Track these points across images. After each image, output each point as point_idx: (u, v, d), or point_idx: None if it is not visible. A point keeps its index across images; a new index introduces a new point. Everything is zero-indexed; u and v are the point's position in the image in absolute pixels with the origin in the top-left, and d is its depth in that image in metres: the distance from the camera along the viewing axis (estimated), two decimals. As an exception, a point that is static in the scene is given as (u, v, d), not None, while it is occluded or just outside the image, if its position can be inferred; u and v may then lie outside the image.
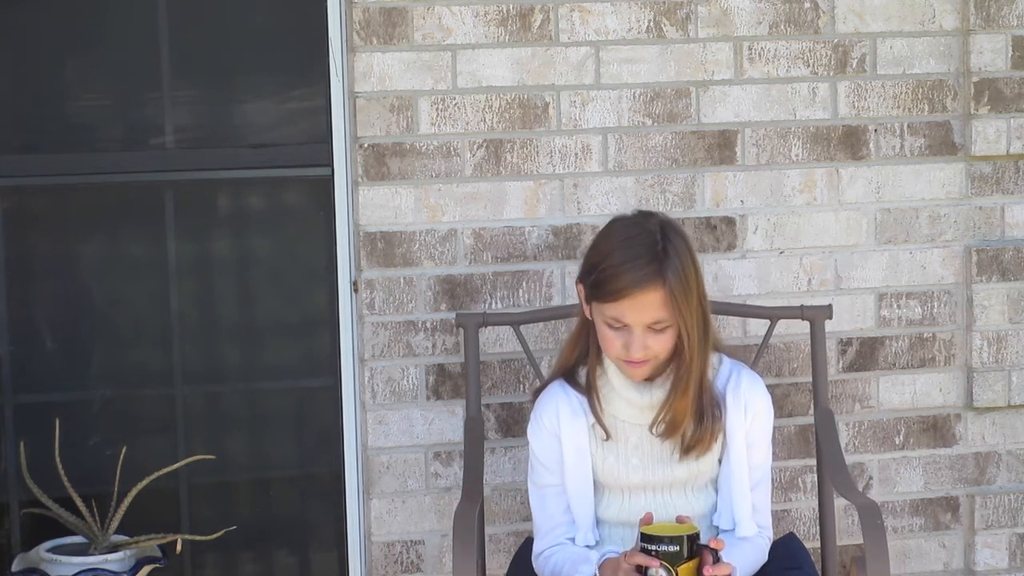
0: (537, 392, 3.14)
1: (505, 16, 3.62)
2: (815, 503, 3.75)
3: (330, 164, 3.69)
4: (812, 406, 3.64)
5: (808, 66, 3.76)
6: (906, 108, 3.81)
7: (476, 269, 3.66)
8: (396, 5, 3.58)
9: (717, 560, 2.73)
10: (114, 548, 3.49)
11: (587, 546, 3.03)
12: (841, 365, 3.83)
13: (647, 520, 2.79)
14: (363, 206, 3.61)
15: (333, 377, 3.76)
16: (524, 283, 3.68)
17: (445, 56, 3.61)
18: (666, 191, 3.72)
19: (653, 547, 2.72)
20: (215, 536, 3.63)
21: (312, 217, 3.77)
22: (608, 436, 3.04)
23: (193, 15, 3.70)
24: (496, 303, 3.66)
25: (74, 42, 3.68)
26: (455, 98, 3.62)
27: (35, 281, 3.72)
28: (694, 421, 3.01)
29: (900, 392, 3.87)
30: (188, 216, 3.74)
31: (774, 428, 3.15)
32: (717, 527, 3.07)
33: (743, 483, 3.06)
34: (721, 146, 3.74)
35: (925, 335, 3.87)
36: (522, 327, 3.53)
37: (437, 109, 3.61)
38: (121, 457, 3.57)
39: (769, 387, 3.17)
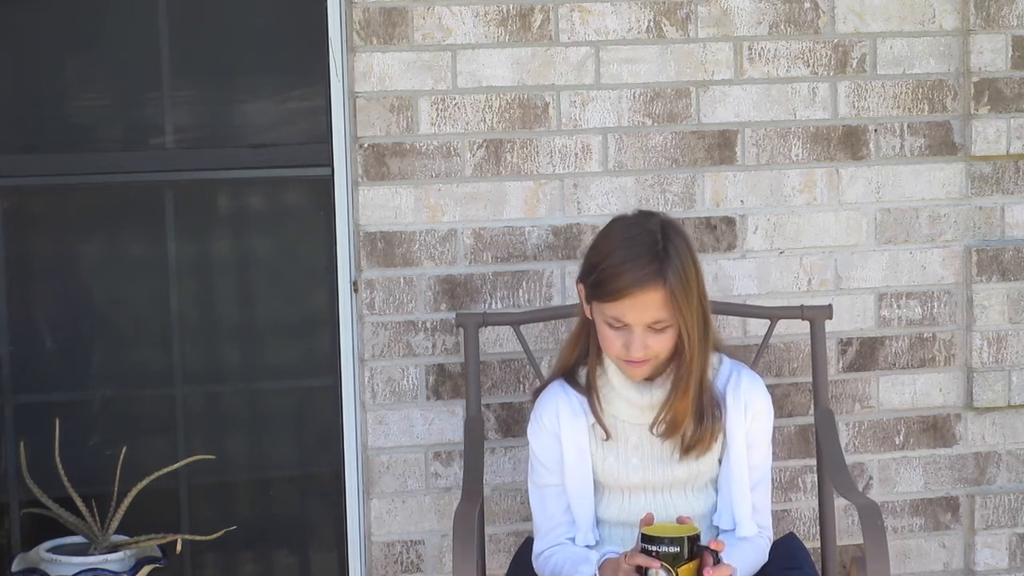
0: (537, 392, 3.14)
1: (505, 16, 3.62)
2: (815, 503, 3.75)
3: (330, 164, 3.69)
4: (812, 406, 3.64)
5: (808, 66, 3.76)
6: (906, 108, 3.81)
7: (476, 269, 3.66)
8: (396, 5, 3.58)
9: (718, 561, 2.73)
10: (114, 548, 3.49)
11: (587, 546, 3.03)
12: (841, 365, 3.83)
13: (648, 521, 2.79)
14: (363, 206, 3.61)
15: (333, 377, 3.76)
16: (524, 283, 3.68)
17: (445, 56, 3.61)
18: (666, 191, 3.72)
19: (653, 548, 2.71)
20: (215, 536, 3.63)
21: (312, 217, 3.77)
22: (608, 436, 3.04)
23: (193, 15, 3.70)
24: (496, 303, 3.66)
25: (74, 42, 3.68)
26: (455, 98, 3.62)
27: (35, 281, 3.72)
28: (694, 421, 3.01)
29: (900, 392, 3.87)
30: (188, 216, 3.74)
31: (774, 428, 3.15)
32: (717, 527, 3.07)
33: (743, 483, 3.06)
34: (721, 146, 3.74)
35: (925, 335, 3.87)
36: (522, 327, 3.53)
37: (437, 109, 3.61)
38: (121, 457, 3.57)
39: (769, 387, 3.17)
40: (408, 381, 3.65)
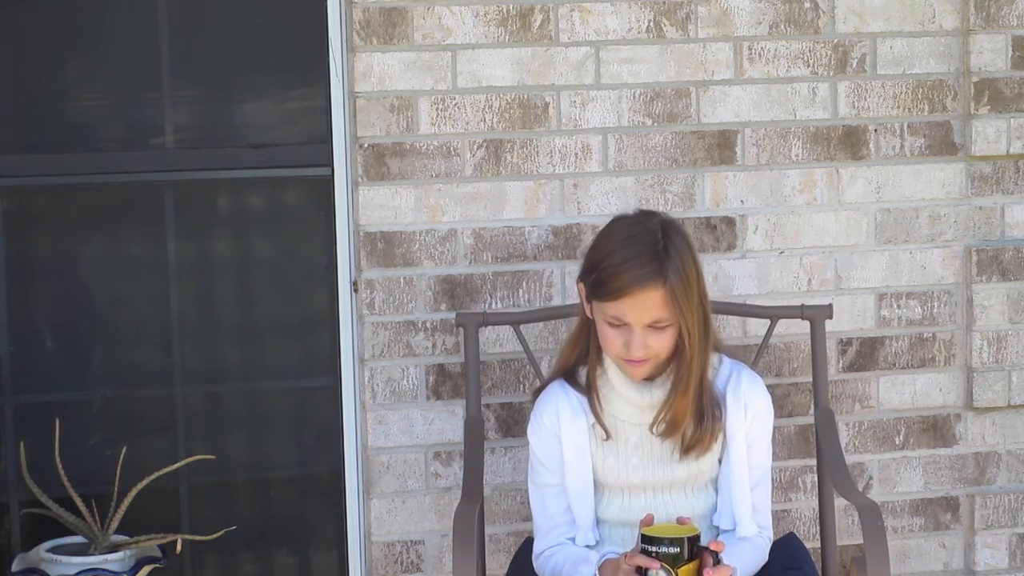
0: (537, 392, 3.14)
1: (505, 16, 3.62)
2: (815, 503, 3.75)
3: (330, 164, 3.69)
4: (812, 406, 3.64)
5: (808, 66, 3.76)
6: (906, 108, 3.81)
7: (476, 269, 3.66)
8: (396, 5, 3.58)
9: (717, 562, 2.73)
10: (114, 548, 3.49)
11: (587, 546, 3.03)
12: (841, 365, 3.83)
13: (647, 521, 2.79)
14: (363, 206, 3.61)
15: (333, 377, 3.76)
16: (524, 283, 3.68)
17: (445, 56, 3.60)
18: (666, 191, 3.72)
19: (653, 548, 2.71)
20: (215, 536, 3.63)
21: (312, 217, 3.77)
22: (608, 436, 3.04)
23: (193, 15, 3.70)
24: (496, 303, 3.66)
25: (74, 42, 3.68)
26: (455, 98, 3.62)
27: (35, 281, 3.71)
28: (694, 421, 3.01)
29: (900, 392, 3.87)
30: (188, 216, 3.74)
31: (774, 428, 3.15)
32: (717, 527, 3.07)
33: (743, 483, 3.06)
34: (721, 146, 3.74)
35: (925, 335, 3.87)
36: (522, 327, 3.53)
37: (437, 109, 3.61)
38: (121, 457, 3.57)
39: (769, 387, 3.17)
40: (408, 381, 3.65)
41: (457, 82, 3.61)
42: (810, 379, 3.65)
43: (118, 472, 3.55)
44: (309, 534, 3.87)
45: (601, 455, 3.05)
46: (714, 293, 3.55)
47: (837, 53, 3.77)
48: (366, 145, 3.60)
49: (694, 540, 2.73)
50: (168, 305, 3.74)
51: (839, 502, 3.58)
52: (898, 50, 3.80)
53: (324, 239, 3.74)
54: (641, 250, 2.91)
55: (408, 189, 3.62)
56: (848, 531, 3.82)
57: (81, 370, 3.74)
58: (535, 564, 3.11)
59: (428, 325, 3.65)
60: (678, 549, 2.71)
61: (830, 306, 3.55)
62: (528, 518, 3.33)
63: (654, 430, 3.02)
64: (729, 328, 3.74)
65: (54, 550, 3.50)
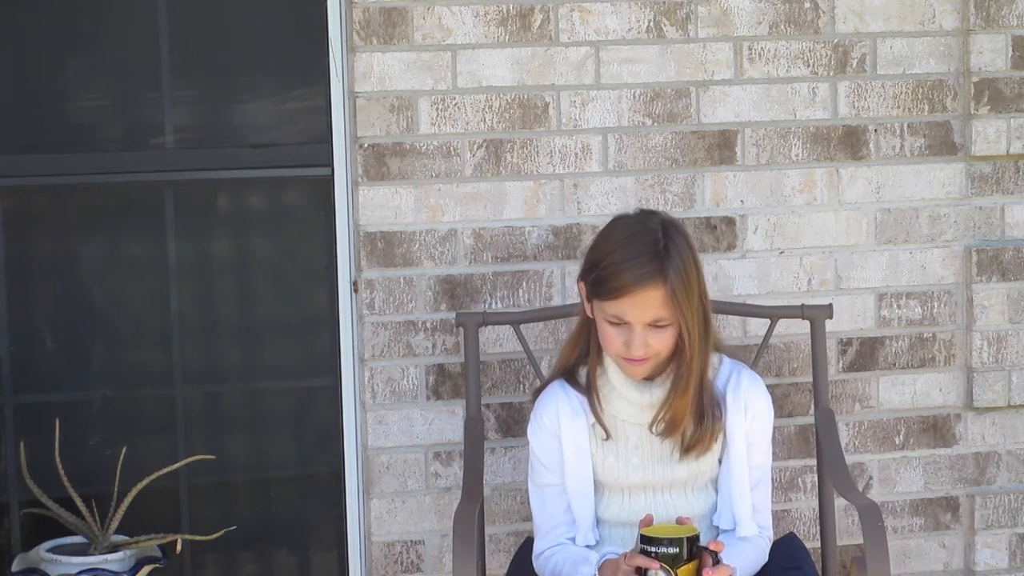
0: (537, 392, 3.14)
1: (505, 16, 3.62)
2: (815, 503, 3.75)
3: (330, 164, 3.69)
4: (812, 406, 3.64)
5: (808, 66, 3.76)
6: (906, 108, 3.81)
7: (476, 269, 3.66)
8: (396, 5, 3.58)
9: (717, 562, 2.73)
10: (114, 548, 3.49)
11: (587, 546, 3.03)
12: (841, 365, 3.83)
13: (647, 522, 2.79)
14: (363, 206, 3.61)
15: (333, 377, 3.76)
16: (524, 283, 3.68)
17: (445, 56, 3.60)
18: (666, 191, 3.72)
19: (653, 549, 2.71)
20: (215, 536, 3.63)
21: (312, 217, 3.77)
22: (608, 436, 3.04)
23: (193, 15, 3.70)
24: (496, 303, 3.66)
25: (74, 42, 3.68)
26: (455, 98, 3.62)
27: (35, 281, 3.72)
28: (694, 421, 3.02)
29: (900, 392, 3.87)
30: (188, 216, 3.74)
31: (774, 428, 3.15)
32: (717, 527, 3.07)
33: (743, 483, 3.06)
34: (721, 146, 3.74)
35: (925, 335, 3.87)
36: (522, 327, 3.53)
37: (437, 109, 3.61)
38: (121, 457, 3.57)
39: (769, 387, 3.17)
40: (408, 381, 3.65)
41: (457, 82, 3.61)
42: (810, 379, 3.65)
43: (118, 472, 3.55)
44: (309, 534, 3.87)
45: (601, 455, 3.05)
46: (714, 293, 3.55)
47: (837, 53, 3.77)
48: (366, 145, 3.60)
49: (693, 540, 2.73)
50: (168, 305, 3.74)
51: (839, 502, 3.58)
52: (898, 50, 3.80)
53: (324, 239, 3.74)
54: (642, 249, 2.91)
55: (408, 189, 3.62)
56: (848, 531, 3.82)
57: (81, 370, 3.74)
58: (535, 564, 3.11)
59: (428, 325, 3.65)
60: (677, 549, 2.71)
61: (830, 306, 3.55)
62: (528, 518, 3.33)
63: (653, 429, 3.02)
64: (729, 328, 3.74)
65: (54, 550, 3.50)
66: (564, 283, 3.68)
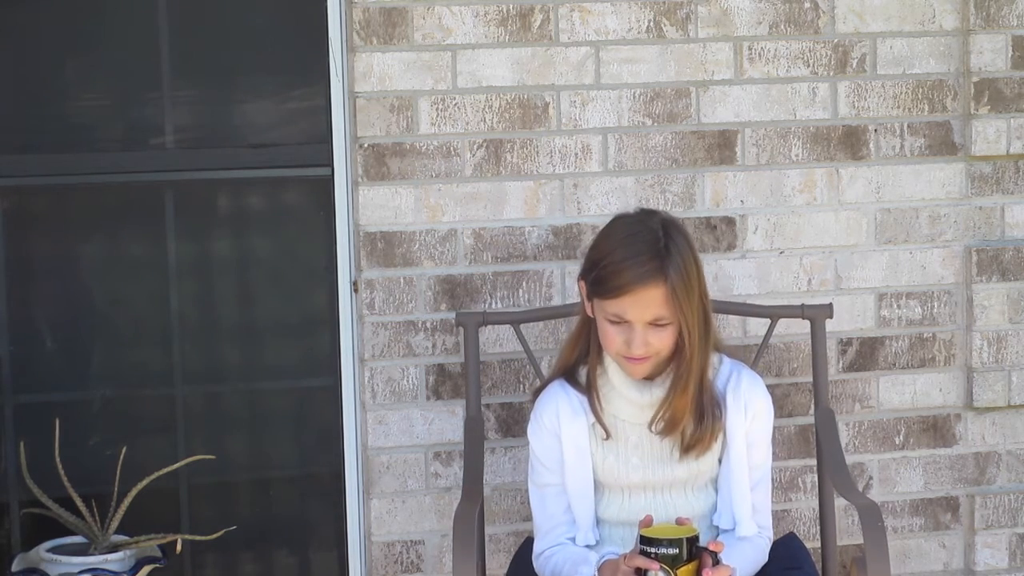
0: (537, 392, 3.14)
1: (505, 16, 3.62)
2: (815, 503, 3.75)
3: (330, 164, 3.69)
4: (812, 406, 3.64)
5: (808, 66, 3.76)
6: (906, 108, 3.81)
7: (476, 269, 3.66)
8: (396, 5, 3.58)
9: (717, 562, 2.73)
10: (114, 548, 3.49)
11: (587, 546, 3.03)
12: (841, 365, 3.83)
13: (646, 522, 2.79)
14: (363, 206, 3.61)
15: (333, 377, 3.76)
16: (524, 283, 3.68)
17: (445, 56, 3.60)
18: (666, 191, 3.72)
19: (652, 549, 2.71)
20: (215, 536, 3.63)
21: (312, 217, 3.77)
22: (608, 435, 3.04)
23: (193, 15, 3.70)
24: (496, 303, 3.66)
25: (74, 42, 3.68)
26: (455, 98, 3.62)
27: (35, 281, 3.72)
28: (694, 420, 3.02)
29: (900, 392, 3.87)
30: (188, 216, 3.74)
31: (774, 428, 3.15)
32: (717, 527, 3.07)
33: (743, 483, 3.06)
34: (721, 146, 3.74)
35: (925, 335, 3.87)
36: (522, 327, 3.53)
37: (437, 109, 3.61)
38: (121, 457, 3.57)
39: (769, 387, 3.17)
40: (408, 381, 3.65)
41: (457, 82, 3.61)
42: (810, 379, 3.65)
43: (118, 472, 3.55)
44: (309, 534, 3.87)
45: (601, 455, 3.05)
46: (714, 293, 3.54)
47: (837, 53, 3.77)
48: (366, 145, 3.60)
49: (693, 541, 2.73)
50: (168, 305, 3.74)
51: (839, 502, 3.58)
52: (898, 50, 3.80)
53: (324, 239, 3.74)
54: (642, 248, 2.92)
55: (408, 189, 3.62)
56: (848, 531, 3.82)
57: (81, 370, 3.74)
58: (535, 564, 3.11)
59: (428, 325, 3.65)
60: (677, 550, 2.71)
61: (830, 305, 3.55)
62: (528, 518, 3.33)
63: (653, 427, 3.02)
64: (729, 328, 3.74)
65: (54, 550, 3.50)
66: (564, 283, 3.68)
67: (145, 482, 3.52)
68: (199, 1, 3.71)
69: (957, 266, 3.86)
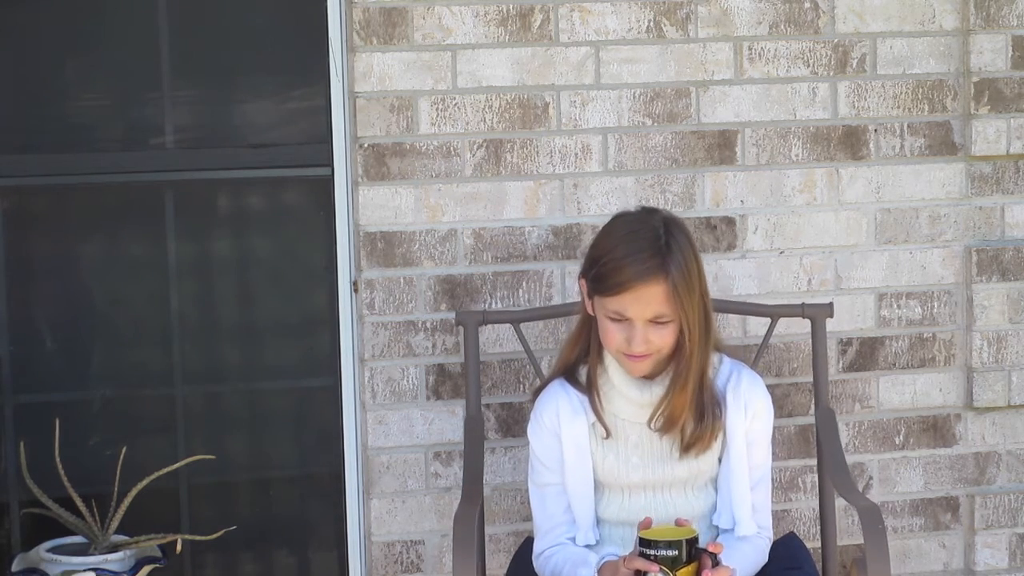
0: (537, 391, 3.14)
1: (505, 16, 3.62)
2: (815, 503, 3.75)
3: (330, 164, 3.69)
4: (812, 406, 3.64)
5: (808, 66, 3.76)
6: (906, 108, 3.81)
7: (476, 269, 3.66)
8: (396, 5, 3.57)
9: (716, 564, 2.73)
10: (114, 548, 3.49)
11: (587, 546, 3.03)
12: (841, 365, 3.83)
13: (646, 524, 2.79)
14: (363, 206, 3.61)
15: (333, 377, 3.76)
16: (524, 283, 3.68)
17: (445, 56, 3.60)
18: (666, 191, 3.72)
19: (651, 551, 2.71)
20: (215, 536, 3.63)
21: (312, 217, 3.77)
22: (608, 434, 3.04)
23: (193, 15, 3.70)
24: (496, 303, 3.66)
25: (74, 42, 3.68)
26: (455, 98, 3.62)
27: (35, 281, 3.72)
28: (694, 419, 3.02)
29: (900, 392, 3.87)
30: (188, 216, 3.74)
31: (774, 428, 3.15)
32: (717, 527, 3.07)
33: (743, 482, 3.06)
34: (721, 146, 3.74)
35: (925, 335, 3.87)
36: (522, 327, 3.53)
37: (437, 109, 3.61)
38: (121, 457, 3.57)
39: (769, 387, 3.17)
40: (408, 381, 3.65)
41: (457, 82, 3.61)
42: (810, 379, 3.65)
43: (118, 472, 3.55)
44: (309, 534, 3.87)
45: (601, 454, 3.05)
46: (714, 293, 3.54)
47: (837, 53, 3.77)
48: (366, 145, 3.60)
49: (692, 542, 2.73)
50: (168, 305, 3.74)
51: (839, 502, 3.58)
52: (898, 50, 3.80)
53: (324, 239, 3.74)
54: (643, 245, 2.92)
55: (408, 189, 3.62)
56: (848, 531, 3.82)
57: (81, 370, 3.74)
58: (535, 564, 3.11)
59: (428, 325, 3.65)
60: (676, 552, 2.71)
61: (831, 304, 3.55)
62: (528, 518, 3.33)
63: (652, 424, 3.02)
64: (729, 328, 3.74)
65: (54, 550, 3.50)
66: (564, 283, 3.68)
67: (145, 482, 3.52)
68: (199, 1, 3.71)
69: (957, 266, 3.86)
